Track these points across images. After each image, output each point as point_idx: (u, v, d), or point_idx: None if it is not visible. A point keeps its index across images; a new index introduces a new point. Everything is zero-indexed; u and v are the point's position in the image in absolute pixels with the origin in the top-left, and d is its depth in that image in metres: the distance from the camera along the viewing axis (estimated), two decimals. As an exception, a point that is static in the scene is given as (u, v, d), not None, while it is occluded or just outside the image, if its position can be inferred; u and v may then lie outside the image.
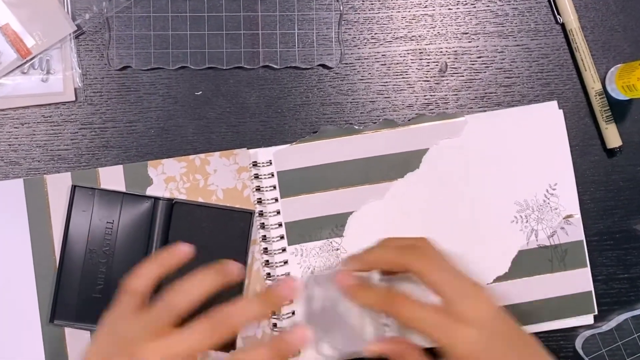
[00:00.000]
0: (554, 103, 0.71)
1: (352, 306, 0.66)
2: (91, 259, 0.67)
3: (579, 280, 0.70)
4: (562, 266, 0.69)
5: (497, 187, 0.69)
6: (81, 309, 0.67)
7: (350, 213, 0.69)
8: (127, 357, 0.53)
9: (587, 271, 0.70)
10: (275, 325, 0.68)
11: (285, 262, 0.68)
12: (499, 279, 0.69)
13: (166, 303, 0.55)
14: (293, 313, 0.68)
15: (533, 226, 0.70)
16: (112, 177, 0.68)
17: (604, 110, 0.71)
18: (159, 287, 0.59)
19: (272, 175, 0.68)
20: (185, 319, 0.55)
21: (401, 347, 0.58)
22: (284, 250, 0.68)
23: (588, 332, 0.70)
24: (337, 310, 0.66)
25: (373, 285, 0.56)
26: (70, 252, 0.67)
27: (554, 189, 0.70)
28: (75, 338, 0.68)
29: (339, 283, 0.58)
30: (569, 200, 0.70)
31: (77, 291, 0.67)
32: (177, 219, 0.67)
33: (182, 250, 0.59)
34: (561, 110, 0.71)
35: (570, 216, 0.70)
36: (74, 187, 0.67)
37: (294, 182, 0.68)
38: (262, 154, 0.69)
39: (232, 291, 0.67)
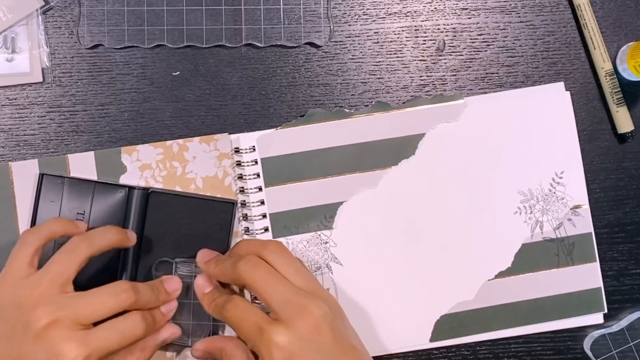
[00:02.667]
0: (561, 84, 0.70)
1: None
2: None
3: (588, 276, 0.69)
4: (570, 261, 0.69)
5: (498, 175, 0.69)
6: None
7: (341, 203, 0.68)
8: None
9: (596, 266, 0.69)
10: None
11: None
12: (501, 274, 0.68)
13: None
14: None
15: (538, 217, 0.69)
16: (83, 165, 0.67)
17: (615, 92, 0.70)
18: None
19: (256, 162, 0.68)
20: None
21: (223, 343, 0.61)
22: None
23: (597, 332, 0.69)
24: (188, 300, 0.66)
25: (228, 263, 0.60)
26: (38, 247, 0.65)
27: (560, 178, 0.69)
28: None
29: (199, 260, 0.63)
30: (577, 190, 0.69)
31: None
32: (153, 210, 0.66)
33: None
34: (568, 92, 0.70)
35: (578, 207, 0.69)
36: (41, 176, 0.66)
37: (279, 170, 0.68)
38: (245, 139, 0.68)
39: None
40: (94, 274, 0.65)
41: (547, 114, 0.69)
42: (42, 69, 0.68)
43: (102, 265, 0.66)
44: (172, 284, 0.62)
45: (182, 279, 0.64)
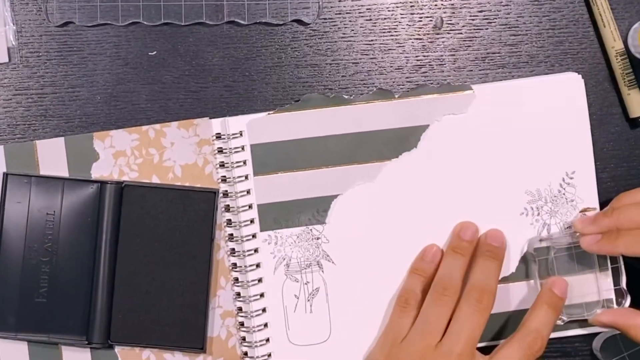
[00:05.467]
0: (576, 75, 0.68)
1: (585, 276, 0.67)
2: (31, 257, 0.65)
3: (599, 284, 0.67)
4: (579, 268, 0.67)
5: (506, 172, 0.68)
6: (23, 317, 0.65)
7: (335, 197, 0.67)
8: None
9: (607, 274, 0.67)
10: (242, 324, 0.66)
11: (256, 251, 0.66)
12: (504, 279, 0.67)
13: None
14: (264, 310, 0.66)
15: (545, 220, 0.68)
16: (52, 152, 0.66)
17: (626, 74, 0.69)
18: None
19: (243, 148, 0.66)
20: None
21: (632, 320, 0.61)
22: (254, 236, 0.66)
23: (607, 333, 0.68)
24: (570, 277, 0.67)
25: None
26: (6, 251, 0.65)
27: (571, 178, 0.68)
28: (10, 353, 0.66)
29: (586, 246, 0.64)
30: (588, 192, 0.68)
31: (17, 297, 0.65)
32: (128, 205, 0.66)
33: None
34: (582, 81, 0.68)
35: (587, 210, 0.68)
36: (5, 176, 0.65)
37: (270, 158, 0.67)
38: (233, 123, 0.67)
39: (196, 288, 0.66)
40: (65, 283, 0.65)
41: (561, 108, 0.68)
42: (8, 49, 0.67)
43: (72, 270, 0.65)
44: (561, 286, 0.63)
45: (561, 253, 0.66)
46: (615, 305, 0.66)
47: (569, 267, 0.66)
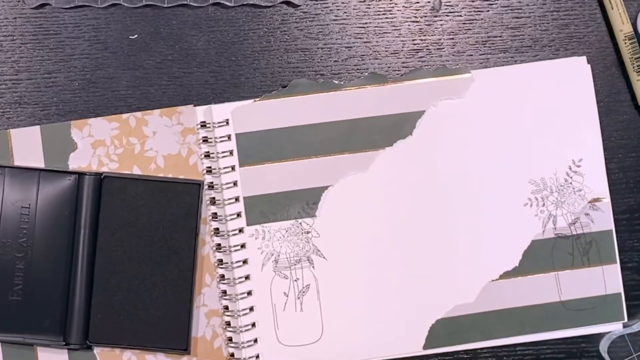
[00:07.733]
0: (582, 59, 0.69)
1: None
2: (5, 253, 0.65)
3: (606, 279, 0.68)
4: (585, 261, 0.68)
5: (507, 161, 0.68)
6: None
7: (326, 188, 0.67)
8: None
9: (616, 268, 0.68)
10: (229, 323, 0.66)
11: (243, 246, 0.66)
12: (506, 274, 0.67)
13: None
14: (252, 309, 0.66)
15: (551, 211, 0.68)
16: (27, 141, 0.66)
17: (635, 59, 0.69)
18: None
19: (229, 138, 0.66)
20: None
21: None
22: (241, 231, 0.66)
23: (615, 333, 0.68)
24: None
25: None
26: (-22, 248, 0.66)
27: (578, 166, 0.68)
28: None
29: None
30: (597, 181, 0.68)
31: None
32: (107, 198, 0.66)
33: None
34: (589, 66, 0.68)
35: (597, 200, 0.68)
36: None
37: (257, 148, 0.67)
38: (218, 111, 0.67)
39: (180, 285, 0.66)
40: (41, 280, 0.65)
41: (566, 94, 0.68)
42: (-20, 32, 0.68)
43: (49, 267, 0.65)
44: None
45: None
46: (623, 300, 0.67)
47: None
